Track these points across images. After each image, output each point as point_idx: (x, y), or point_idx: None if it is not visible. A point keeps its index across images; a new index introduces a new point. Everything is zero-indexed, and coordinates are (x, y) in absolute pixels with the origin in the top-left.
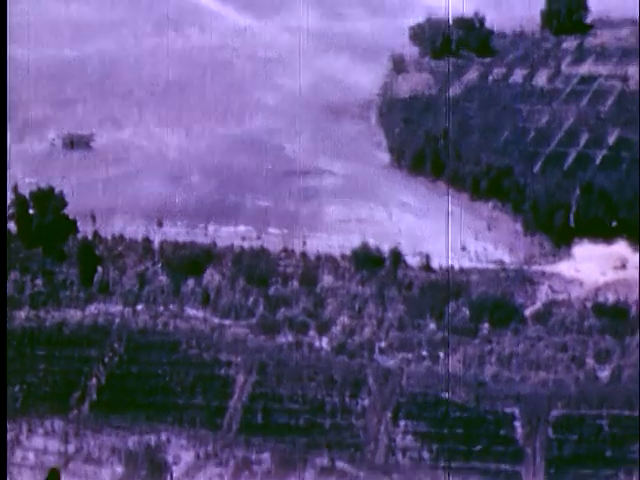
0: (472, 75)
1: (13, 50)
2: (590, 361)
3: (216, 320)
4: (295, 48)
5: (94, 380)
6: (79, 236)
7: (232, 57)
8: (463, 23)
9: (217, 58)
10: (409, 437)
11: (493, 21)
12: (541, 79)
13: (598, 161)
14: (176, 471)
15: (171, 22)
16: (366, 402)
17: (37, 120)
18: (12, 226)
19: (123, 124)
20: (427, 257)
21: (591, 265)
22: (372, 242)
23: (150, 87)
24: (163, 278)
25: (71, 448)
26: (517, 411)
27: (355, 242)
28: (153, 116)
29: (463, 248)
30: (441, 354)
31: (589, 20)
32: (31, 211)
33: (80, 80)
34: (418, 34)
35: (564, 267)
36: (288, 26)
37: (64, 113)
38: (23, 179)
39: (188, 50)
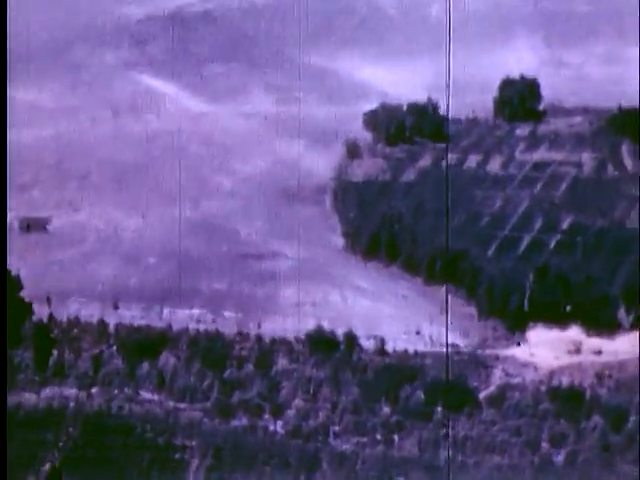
0: (426, 161)
1: None
2: (545, 445)
3: (171, 403)
4: (250, 133)
5: (48, 464)
6: (34, 319)
7: (188, 142)
8: (417, 109)
9: (173, 143)
10: None
11: (447, 107)
12: (495, 165)
13: (552, 246)
14: None
15: (128, 107)
16: None
17: None
18: None
19: (80, 207)
20: (382, 340)
21: (545, 349)
22: (327, 325)
23: (107, 171)
24: (118, 361)
25: None
26: None
27: (310, 325)
28: (110, 199)
29: (417, 332)
30: (396, 437)
31: (542, 107)
32: None
33: (37, 164)
34: (372, 120)
35: (518, 351)
36: (244, 111)
37: (21, 197)
38: None
39: (145, 135)
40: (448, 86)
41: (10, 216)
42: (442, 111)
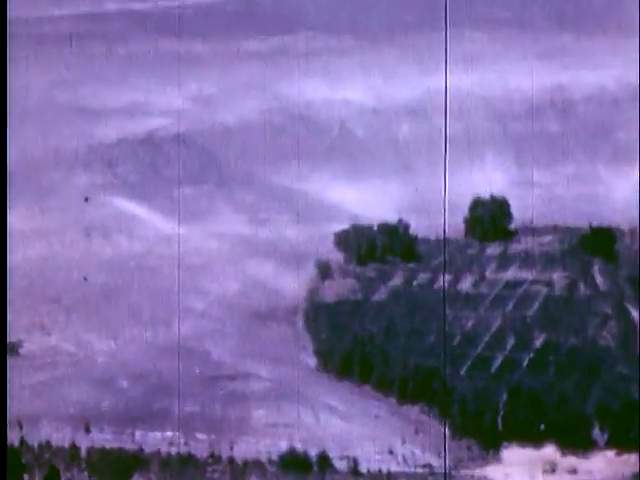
0: (397, 280)
1: None
2: None
3: None
4: (221, 254)
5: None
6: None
7: (159, 264)
8: (387, 229)
9: (144, 264)
10: None
11: (417, 227)
12: (466, 284)
13: (525, 364)
14: None
15: (99, 229)
16: None
17: None
18: None
19: (51, 330)
20: (355, 461)
21: (520, 469)
22: (300, 446)
23: (78, 293)
24: None
25: None
26: None
27: (282, 446)
28: (81, 322)
29: (390, 452)
30: None
31: (512, 227)
32: None
33: (8, 287)
34: (343, 240)
35: (493, 470)
36: (214, 232)
37: None
38: None
39: (116, 257)
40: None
41: None
42: (412, 231)
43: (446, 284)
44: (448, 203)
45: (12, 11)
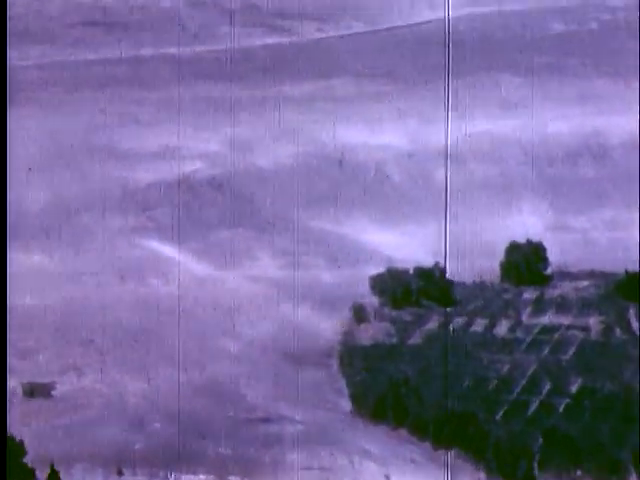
0: (432, 324)
1: None
2: None
3: None
4: (256, 297)
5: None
6: None
7: (194, 306)
8: (423, 273)
9: (179, 307)
10: None
11: (453, 271)
12: (502, 329)
13: (561, 409)
14: None
15: (133, 272)
16: None
17: None
18: None
19: (85, 372)
20: None
21: None
22: None
23: (112, 335)
24: None
25: None
26: None
27: None
28: (115, 363)
29: None
30: None
31: (549, 272)
32: None
33: (41, 329)
34: (378, 284)
35: None
36: (250, 275)
37: (25, 362)
38: None
39: (150, 299)
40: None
41: (13, 381)
42: (448, 275)
43: (482, 328)
44: (484, 247)
45: (47, 57)
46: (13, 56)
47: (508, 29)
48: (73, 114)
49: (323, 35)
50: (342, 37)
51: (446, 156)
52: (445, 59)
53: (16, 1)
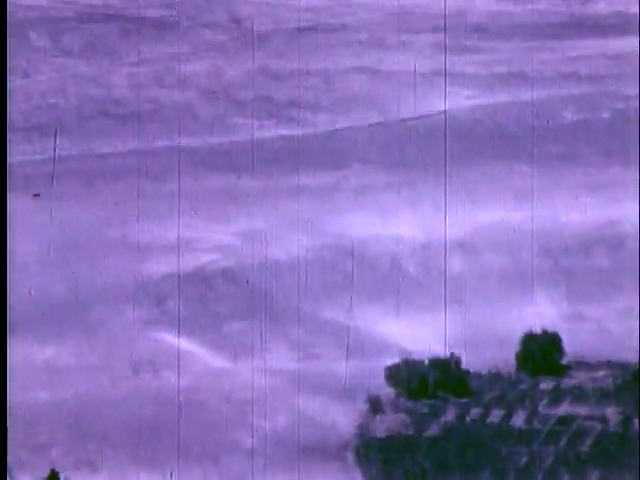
0: (449, 415)
1: None
2: None
3: None
4: (271, 389)
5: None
6: None
7: (208, 398)
8: (439, 364)
9: (193, 399)
10: None
11: (469, 362)
12: (519, 419)
13: None
14: None
15: (147, 365)
16: None
17: (13, 462)
18: None
19: (99, 466)
20: None
21: None
22: None
23: (126, 430)
24: None
25: None
26: None
27: None
28: (130, 458)
29: None
30: None
31: (565, 361)
32: None
33: (55, 424)
34: (394, 375)
35: None
36: (264, 367)
37: (38, 457)
38: None
39: (164, 391)
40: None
41: (28, 477)
42: (464, 365)
43: (499, 419)
44: (499, 337)
45: (62, 149)
46: (28, 150)
47: (521, 119)
48: (87, 207)
49: (336, 126)
50: (355, 128)
51: (460, 246)
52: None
53: (32, 95)
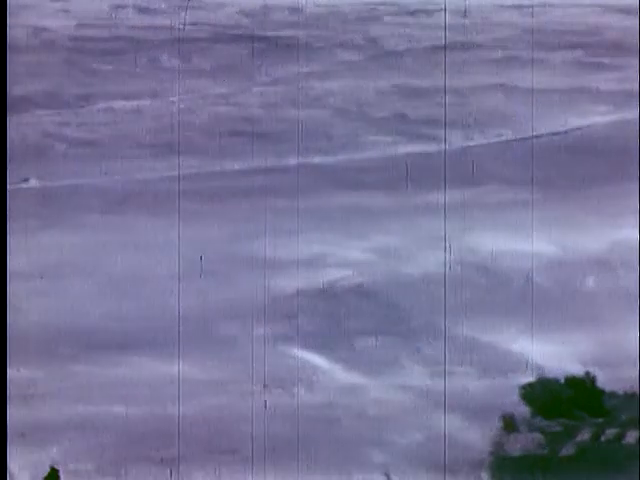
0: (584, 435)
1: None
2: None
3: None
4: (404, 406)
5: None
6: None
7: (340, 415)
8: (574, 382)
9: (324, 416)
10: None
11: (604, 381)
12: None
13: None
14: None
15: (278, 381)
16: None
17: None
18: None
19: None
20: None
21: None
22: None
23: (256, 445)
24: None
25: None
26: None
27: None
28: (260, 474)
29: None
30: None
31: None
32: None
33: (187, 438)
34: (528, 393)
35: None
36: (396, 384)
37: (167, 471)
38: None
39: (295, 407)
40: None
41: None
42: (600, 384)
43: (635, 440)
44: (634, 357)
45: (193, 167)
46: (161, 167)
47: None
48: (215, 224)
49: (470, 143)
50: (490, 145)
51: (596, 263)
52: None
53: (164, 113)
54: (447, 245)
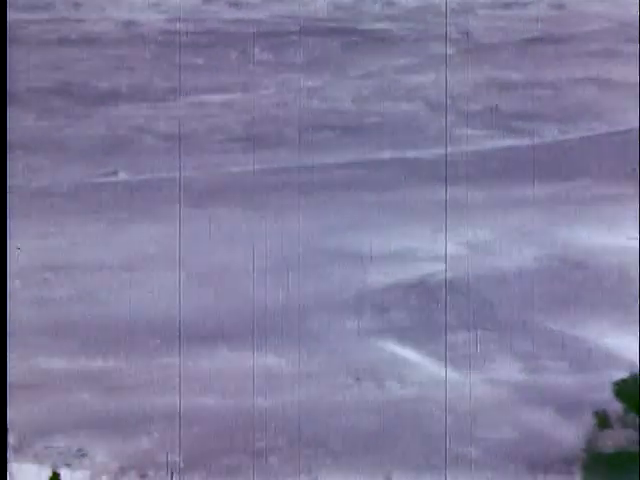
0: None
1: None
2: None
3: None
4: (495, 401)
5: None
6: None
7: (432, 409)
8: None
9: (416, 410)
10: None
11: None
12: None
13: None
14: None
15: (370, 374)
16: None
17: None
18: None
19: (318, 474)
20: None
21: None
22: None
23: (346, 438)
24: None
25: None
26: None
27: None
28: (348, 467)
29: None
30: None
31: None
32: None
33: (276, 430)
34: (622, 389)
35: None
36: (487, 378)
37: (257, 463)
38: None
39: (386, 400)
40: None
41: None
42: None
43: None
44: None
45: (282, 160)
46: (251, 160)
47: None
48: (306, 217)
49: (564, 137)
50: (583, 139)
51: None
52: None
53: (254, 106)
54: (539, 239)
